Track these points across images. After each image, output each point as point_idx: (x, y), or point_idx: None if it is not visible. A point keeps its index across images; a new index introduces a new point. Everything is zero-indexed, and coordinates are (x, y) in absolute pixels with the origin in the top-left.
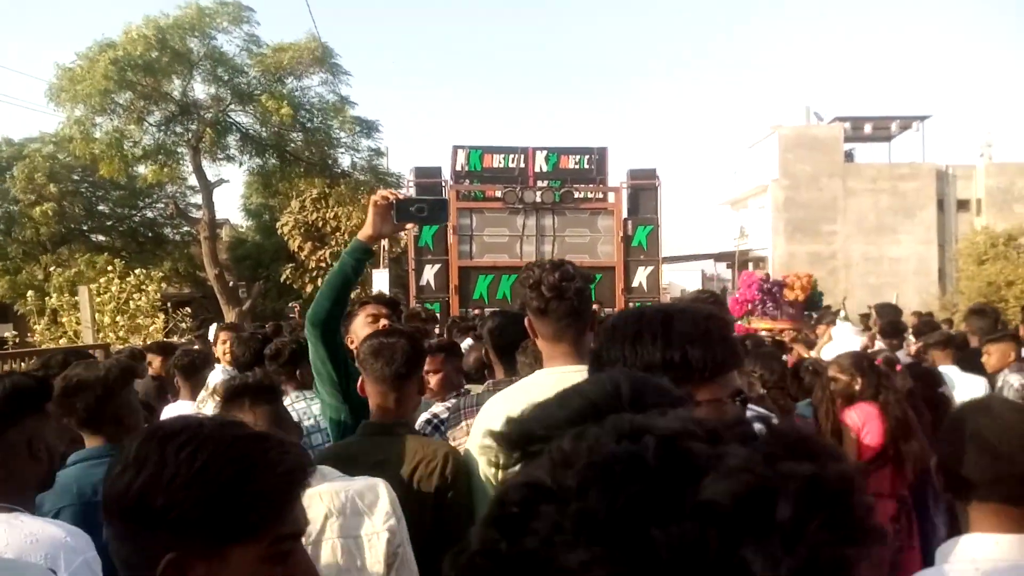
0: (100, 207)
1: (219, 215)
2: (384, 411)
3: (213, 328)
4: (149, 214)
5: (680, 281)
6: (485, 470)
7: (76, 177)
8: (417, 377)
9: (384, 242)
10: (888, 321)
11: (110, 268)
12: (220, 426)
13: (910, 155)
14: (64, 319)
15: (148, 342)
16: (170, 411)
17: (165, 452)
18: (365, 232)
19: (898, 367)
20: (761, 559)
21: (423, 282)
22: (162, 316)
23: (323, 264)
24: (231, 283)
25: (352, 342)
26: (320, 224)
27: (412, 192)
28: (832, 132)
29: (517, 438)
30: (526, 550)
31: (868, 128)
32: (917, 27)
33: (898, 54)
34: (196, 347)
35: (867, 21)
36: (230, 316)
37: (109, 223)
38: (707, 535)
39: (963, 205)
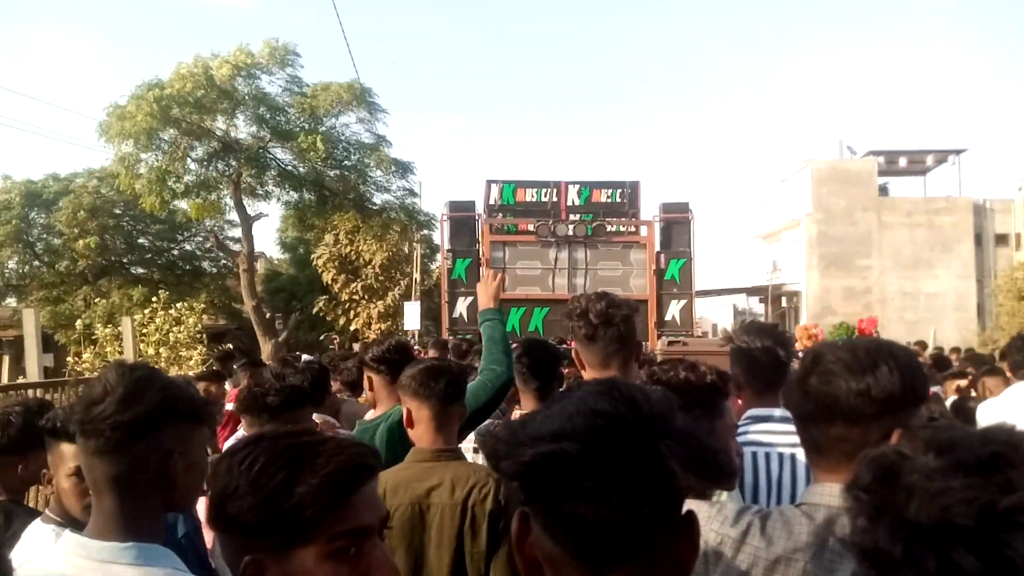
0: (140, 240)
1: (256, 248)
2: (432, 437)
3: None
4: (187, 247)
5: (711, 315)
6: None
7: (118, 211)
8: (461, 403)
9: (415, 275)
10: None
11: (155, 300)
12: (278, 436)
13: (946, 189)
14: (108, 349)
15: (187, 373)
16: None
17: (231, 464)
18: (493, 300)
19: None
20: None
21: (456, 314)
22: (200, 347)
23: (355, 296)
24: (267, 315)
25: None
26: (353, 257)
27: (447, 226)
28: (866, 166)
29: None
30: (908, 481)
31: (903, 162)
32: (953, 60)
33: (933, 87)
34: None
35: (901, 54)
36: (266, 347)
37: (148, 256)
38: None
39: (1001, 239)
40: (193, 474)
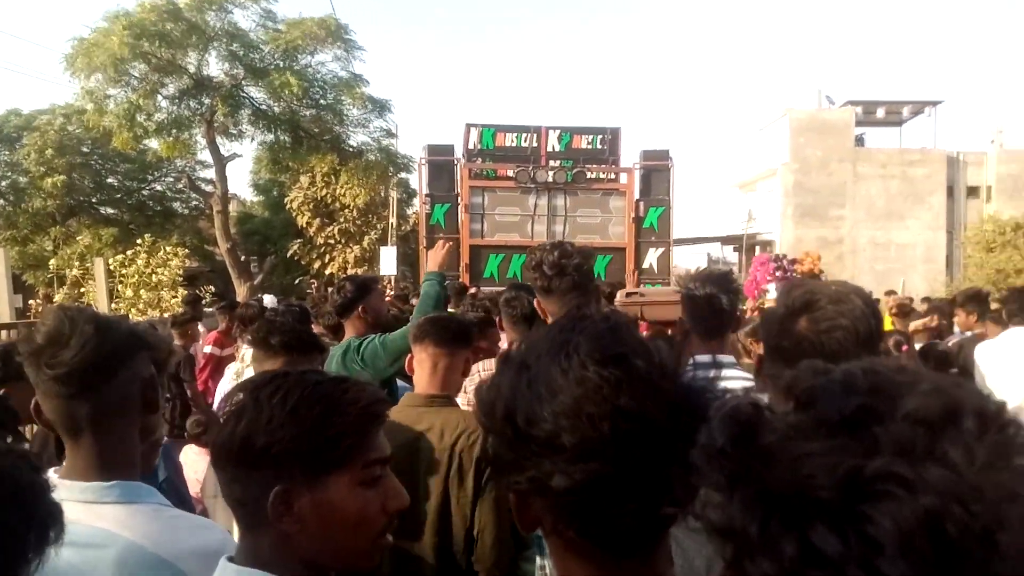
0: (109, 180)
1: (229, 189)
2: (427, 382)
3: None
4: (158, 187)
5: (687, 264)
6: None
7: (86, 149)
8: (464, 354)
9: (392, 219)
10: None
11: (139, 242)
12: (302, 374)
13: (921, 141)
14: (85, 289)
15: (165, 315)
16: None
17: (259, 400)
18: (439, 265)
19: (904, 348)
20: (961, 452)
21: None
22: (180, 290)
23: (331, 240)
24: (242, 258)
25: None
26: (329, 200)
27: (425, 170)
28: (843, 116)
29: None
30: (766, 443)
31: (880, 112)
32: (932, 12)
33: (912, 39)
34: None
35: (883, 5)
36: (241, 290)
37: (118, 196)
38: (915, 434)
39: (973, 192)
40: (161, 398)
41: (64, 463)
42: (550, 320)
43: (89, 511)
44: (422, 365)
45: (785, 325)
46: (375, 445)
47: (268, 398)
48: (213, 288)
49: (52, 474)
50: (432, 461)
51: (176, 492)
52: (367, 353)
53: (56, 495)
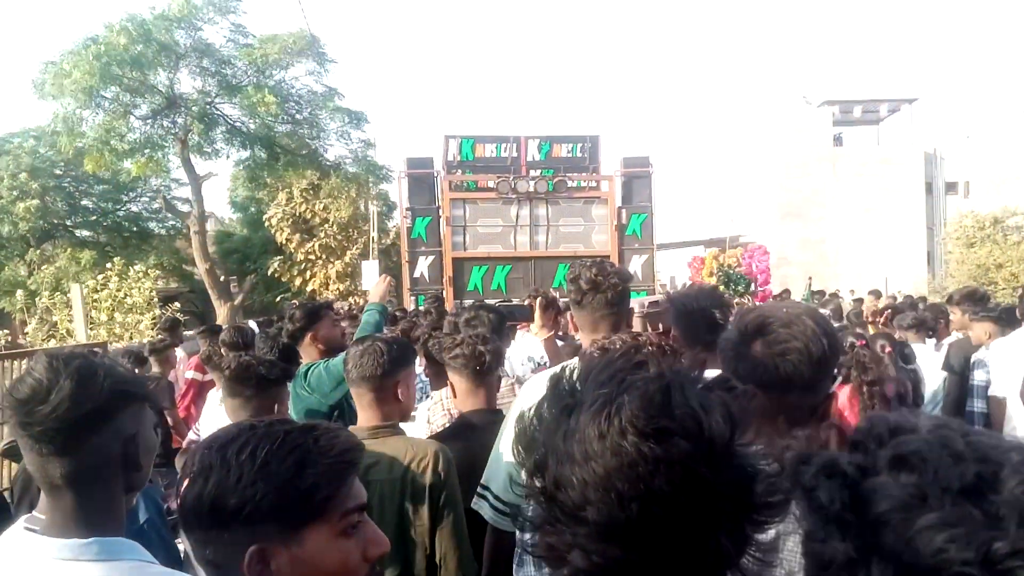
0: (84, 202)
1: (205, 208)
2: (367, 414)
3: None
4: (133, 208)
5: (668, 268)
6: None
7: (59, 172)
8: (391, 381)
9: (373, 233)
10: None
11: (109, 266)
12: (269, 425)
13: (899, 138)
14: (57, 317)
15: (142, 340)
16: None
17: (227, 457)
18: (380, 297)
19: (888, 350)
20: None
21: (417, 274)
22: (154, 311)
23: (311, 257)
24: (222, 277)
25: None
26: (308, 216)
27: (405, 184)
28: (822, 116)
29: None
30: (884, 510)
31: (857, 111)
32: (909, 8)
33: (887, 36)
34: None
35: (860, 5)
36: (222, 311)
37: (93, 218)
38: None
39: (951, 187)
40: (150, 453)
41: (46, 516)
42: (581, 333)
43: (68, 569)
44: (358, 399)
45: (740, 350)
46: (352, 493)
47: (236, 455)
48: (179, 305)
49: (23, 531)
50: (384, 493)
51: (159, 535)
52: (312, 378)
53: (36, 552)
